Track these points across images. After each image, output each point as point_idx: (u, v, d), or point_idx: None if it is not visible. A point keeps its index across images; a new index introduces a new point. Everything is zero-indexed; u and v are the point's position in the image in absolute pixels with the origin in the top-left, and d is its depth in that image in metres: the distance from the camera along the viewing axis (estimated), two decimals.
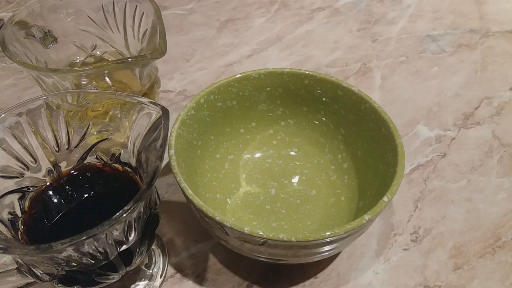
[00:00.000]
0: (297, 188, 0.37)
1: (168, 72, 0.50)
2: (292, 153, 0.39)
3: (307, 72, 0.36)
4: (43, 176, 0.28)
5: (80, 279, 0.25)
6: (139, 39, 0.37)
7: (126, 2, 0.37)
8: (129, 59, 0.31)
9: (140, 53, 0.37)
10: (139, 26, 0.37)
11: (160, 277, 0.33)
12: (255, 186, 0.37)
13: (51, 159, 0.28)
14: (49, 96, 0.27)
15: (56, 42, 0.36)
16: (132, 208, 0.21)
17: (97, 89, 0.35)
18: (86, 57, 0.40)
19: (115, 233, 0.23)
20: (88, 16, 0.38)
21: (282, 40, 0.56)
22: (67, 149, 0.29)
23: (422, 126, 0.45)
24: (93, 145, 0.29)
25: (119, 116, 0.28)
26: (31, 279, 0.25)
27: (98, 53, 0.40)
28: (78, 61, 0.39)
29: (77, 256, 0.22)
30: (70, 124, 0.28)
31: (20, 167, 0.27)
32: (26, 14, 0.35)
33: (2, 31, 0.32)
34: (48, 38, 0.36)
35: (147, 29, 0.36)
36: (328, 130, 0.38)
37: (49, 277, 0.24)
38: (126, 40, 0.39)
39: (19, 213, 0.26)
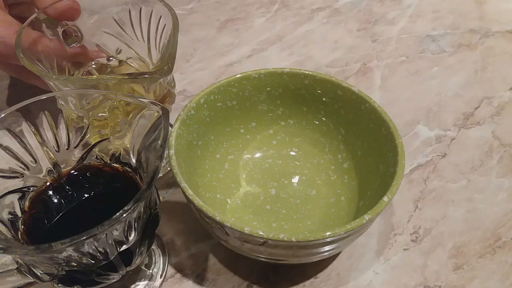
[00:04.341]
0: (297, 188, 0.37)
1: None
2: (292, 153, 0.39)
3: (307, 72, 0.36)
4: (43, 176, 0.28)
5: (80, 279, 0.25)
6: (159, 51, 0.36)
7: (151, 11, 0.35)
8: (127, 78, 0.29)
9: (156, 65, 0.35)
10: (161, 38, 0.36)
11: (160, 277, 0.33)
12: (255, 186, 0.37)
13: (51, 159, 0.28)
14: (49, 96, 0.27)
15: (79, 43, 0.36)
16: (132, 208, 0.21)
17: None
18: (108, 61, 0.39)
19: (115, 233, 0.23)
20: (114, 19, 0.36)
21: (282, 40, 0.55)
22: (67, 149, 0.29)
23: (422, 126, 0.45)
24: (93, 145, 0.29)
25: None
26: (31, 279, 0.25)
27: (121, 57, 0.39)
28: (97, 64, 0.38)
29: (77, 256, 0.22)
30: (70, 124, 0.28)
31: (20, 167, 0.27)
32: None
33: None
34: (72, 37, 0.35)
35: (165, 43, 0.35)
36: (328, 130, 0.38)
37: (49, 277, 0.24)
38: (149, 48, 0.38)
39: (19, 213, 0.26)
